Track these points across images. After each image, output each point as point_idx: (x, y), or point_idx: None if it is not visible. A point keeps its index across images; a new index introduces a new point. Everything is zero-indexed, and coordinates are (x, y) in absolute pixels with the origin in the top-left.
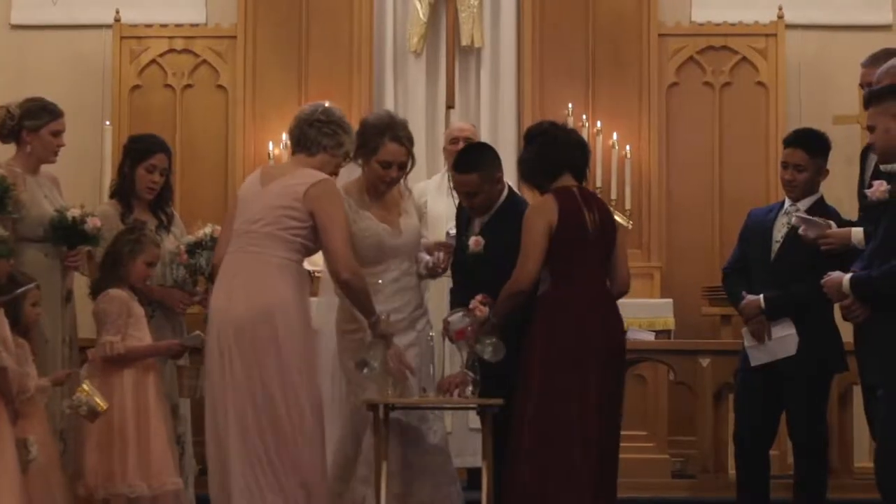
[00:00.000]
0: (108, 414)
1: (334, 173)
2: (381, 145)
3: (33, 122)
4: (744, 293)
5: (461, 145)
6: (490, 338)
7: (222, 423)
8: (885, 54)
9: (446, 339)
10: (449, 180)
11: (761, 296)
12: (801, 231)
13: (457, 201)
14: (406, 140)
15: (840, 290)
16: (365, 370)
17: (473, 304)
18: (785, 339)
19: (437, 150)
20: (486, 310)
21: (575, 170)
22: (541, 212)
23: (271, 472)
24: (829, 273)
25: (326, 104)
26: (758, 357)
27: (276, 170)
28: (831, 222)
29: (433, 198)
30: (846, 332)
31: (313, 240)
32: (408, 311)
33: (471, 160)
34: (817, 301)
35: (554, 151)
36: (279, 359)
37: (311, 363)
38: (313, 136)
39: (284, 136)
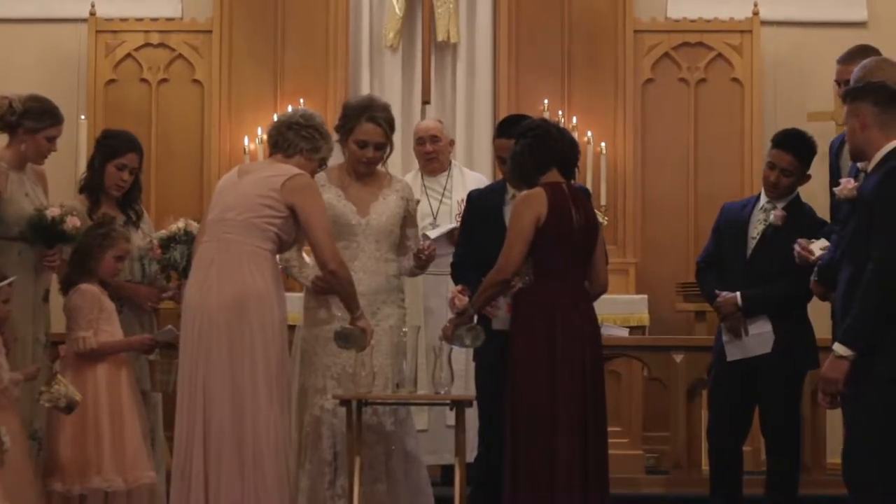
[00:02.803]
0: (83, 409)
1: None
2: (358, 125)
3: (33, 124)
4: (717, 291)
5: (428, 147)
6: (469, 325)
7: (195, 412)
8: (861, 51)
9: (419, 335)
10: (422, 179)
11: (738, 293)
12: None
13: (432, 200)
14: (383, 121)
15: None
16: (341, 341)
17: (452, 293)
18: (761, 336)
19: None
20: (465, 300)
21: (563, 167)
22: (530, 203)
23: (236, 463)
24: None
25: (307, 109)
26: (733, 353)
27: (254, 165)
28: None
29: None
30: (822, 329)
31: (288, 232)
32: (368, 294)
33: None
34: (794, 299)
35: (546, 146)
36: (252, 350)
37: (283, 354)
38: (291, 138)
39: (259, 131)
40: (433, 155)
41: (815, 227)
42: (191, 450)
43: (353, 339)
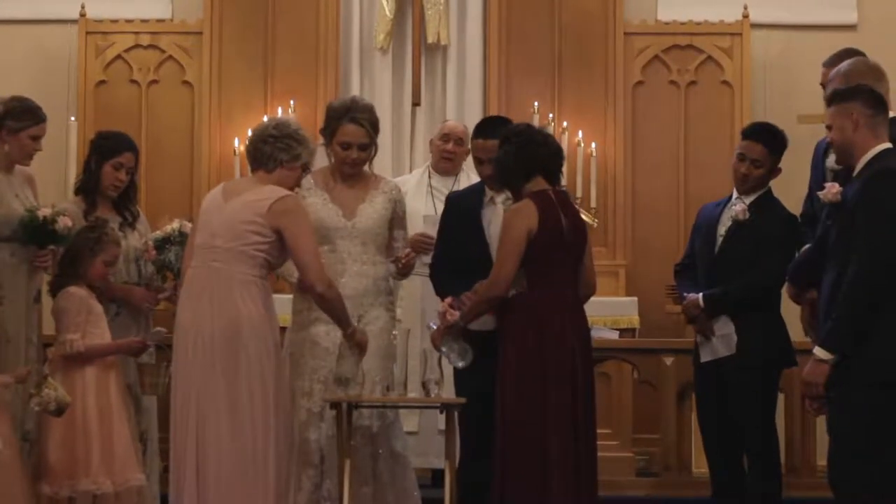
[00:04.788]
0: (71, 411)
1: (296, 186)
2: (340, 126)
3: (14, 124)
4: (684, 294)
5: (451, 147)
6: (457, 342)
7: (188, 433)
8: (847, 54)
9: (410, 339)
10: (429, 179)
11: (700, 294)
12: None
13: (437, 201)
14: (365, 121)
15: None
16: (344, 383)
17: (443, 307)
18: (725, 337)
19: (404, 147)
20: (456, 314)
21: (548, 173)
22: (521, 216)
23: (229, 483)
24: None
25: (280, 117)
26: (705, 355)
27: (239, 185)
28: None
29: (412, 195)
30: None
31: (275, 255)
32: (354, 297)
33: (498, 127)
34: (757, 297)
35: (530, 152)
36: (249, 378)
37: (280, 378)
38: (268, 152)
39: (250, 132)
40: (452, 156)
41: (783, 222)
42: (183, 471)
43: (349, 369)
